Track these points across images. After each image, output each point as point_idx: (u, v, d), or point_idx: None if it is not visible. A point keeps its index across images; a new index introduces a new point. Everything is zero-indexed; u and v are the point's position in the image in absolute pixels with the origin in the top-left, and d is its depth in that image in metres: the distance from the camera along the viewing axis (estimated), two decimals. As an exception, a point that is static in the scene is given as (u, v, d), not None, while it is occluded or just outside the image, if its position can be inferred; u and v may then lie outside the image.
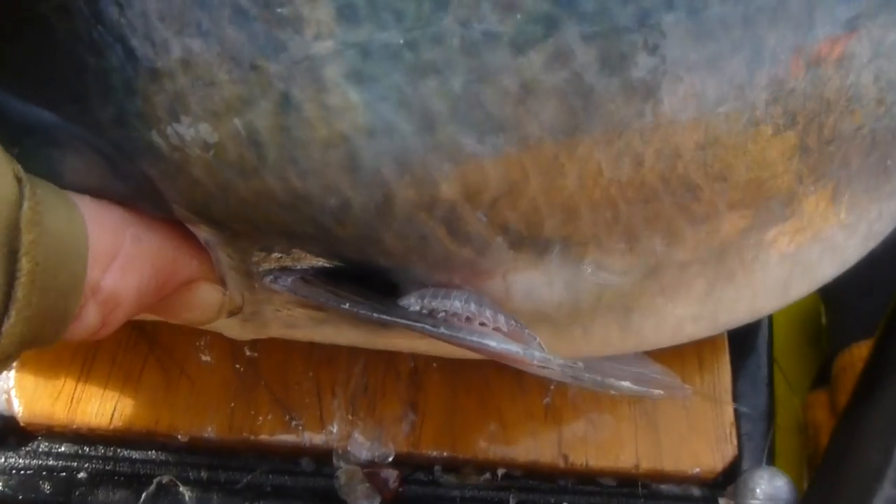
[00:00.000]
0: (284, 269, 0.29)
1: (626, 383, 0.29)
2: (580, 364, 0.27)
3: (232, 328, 0.34)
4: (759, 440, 0.38)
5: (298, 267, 0.29)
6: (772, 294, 0.33)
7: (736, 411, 0.38)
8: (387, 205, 0.26)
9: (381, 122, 0.25)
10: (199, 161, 0.25)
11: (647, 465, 0.37)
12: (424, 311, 0.28)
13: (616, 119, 0.26)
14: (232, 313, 0.31)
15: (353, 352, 0.38)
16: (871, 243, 0.35)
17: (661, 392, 0.31)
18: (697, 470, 0.37)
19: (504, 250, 0.28)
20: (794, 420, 0.58)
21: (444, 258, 0.28)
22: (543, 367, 0.27)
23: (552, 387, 0.38)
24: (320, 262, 0.29)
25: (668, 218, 0.28)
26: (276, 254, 0.28)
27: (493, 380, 0.38)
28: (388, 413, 0.37)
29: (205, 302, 0.30)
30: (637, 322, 0.32)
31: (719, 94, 0.26)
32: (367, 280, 0.29)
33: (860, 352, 0.49)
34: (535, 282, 0.29)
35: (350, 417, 0.37)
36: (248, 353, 0.39)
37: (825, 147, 0.28)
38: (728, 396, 0.38)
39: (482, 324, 0.28)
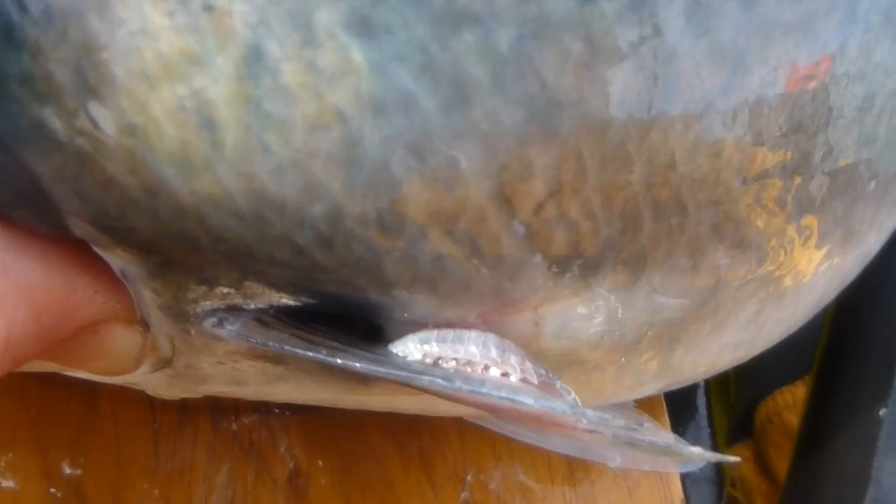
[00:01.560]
0: (232, 310, 0.21)
1: (696, 449, 0.22)
2: (646, 422, 0.20)
3: (157, 385, 0.25)
4: (712, 517, 0.32)
5: (252, 306, 0.21)
6: (809, 310, 0.28)
7: (684, 484, 0.32)
8: (395, 215, 0.19)
9: (396, 93, 0.18)
10: (117, 151, 0.17)
11: (592, 564, 0.30)
12: (428, 360, 0.20)
13: (699, 94, 0.20)
14: (159, 366, 0.23)
15: (213, 456, 0.30)
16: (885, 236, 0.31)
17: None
18: (651, 564, 0.30)
19: (543, 274, 0.21)
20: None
21: (460, 288, 0.21)
22: (593, 431, 0.20)
23: (469, 477, 0.31)
24: (283, 300, 0.21)
25: (739, 223, 0.22)
26: (221, 288, 0.20)
27: (395, 477, 0.30)
28: (263, 533, 0.29)
29: (117, 349, 0.22)
30: (679, 356, 0.26)
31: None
32: (343, 319, 0.22)
33: (786, 398, 0.45)
34: (573, 314, 0.22)
35: (212, 545, 0.28)
36: (67, 471, 0.29)
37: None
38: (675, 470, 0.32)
39: (504, 374, 0.21)
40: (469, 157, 0.18)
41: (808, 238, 0.25)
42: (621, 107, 0.19)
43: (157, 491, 0.29)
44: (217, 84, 0.17)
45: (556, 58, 0.18)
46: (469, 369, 0.20)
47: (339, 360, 0.19)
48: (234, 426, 0.30)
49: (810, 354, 0.46)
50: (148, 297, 0.21)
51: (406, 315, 0.22)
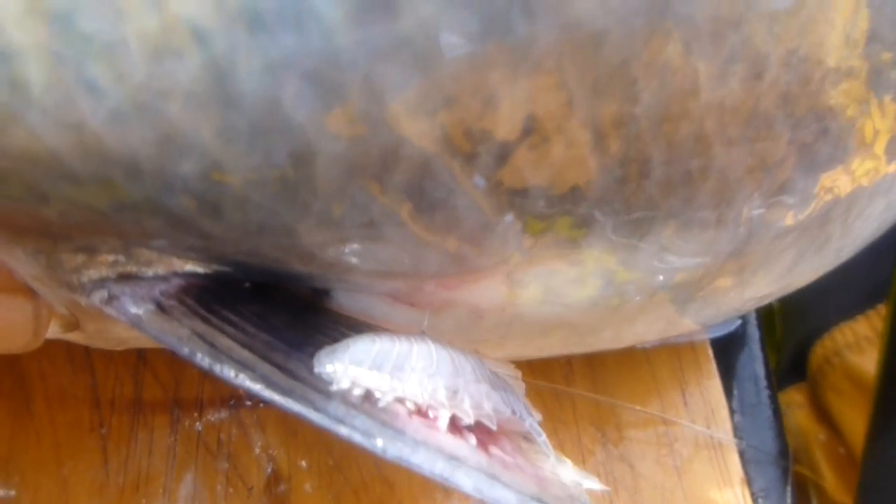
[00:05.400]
0: (128, 278, 0.17)
1: None
2: None
3: (82, 342, 0.22)
4: (777, 494, 0.27)
5: (150, 274, 0.17)
6: (858, 249, 0.24)
7: (743, 459, 0.27)
8: (301, 170, 0.14)
9: None
10: None
11: (637, 565, 0.25)
12: (357, 391, 0.16)
13: None
14: (68, 328, 0.20)
15: (174, 463, 0.25)
16: None
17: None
18: (709, 561, 0.25)
19: (516, 235, 0.16)
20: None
21: (407, 255, 0.16)
22: None
23: (483, 469, 0.25)
24: (188, 267, 0.17)
25: (780, 166, 0.18)
26: (105, 256, 0.16)
27: (394, 473, 0.25)
28: (240, 552, 0.24)
29: (4, 321, 0.18)
30: (692, 314, 0.22)
31: None
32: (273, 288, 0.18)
33: (846, 336, 0.39)
34: (557, 279, 0.18)
35: (179, 569, 0.24)
36: None
37: None
38: (730, 441, 0.27)
39: (455, 416, 0.17)
40: (398, 87, 0.13)
41: (869, 172, 0.20)
42: (622, 10, 0.14)
43: (107, 510, 0.24)
44: (9, 4, 0.12)
45: None
46: (406, 408, 0.16)
47: (242, 381, 0.15)
48: (198, 425, 0.25)
49: (873, 283, 0.40)
50: (17, 266, 0.17)
51: (345, 285, 0.17)
